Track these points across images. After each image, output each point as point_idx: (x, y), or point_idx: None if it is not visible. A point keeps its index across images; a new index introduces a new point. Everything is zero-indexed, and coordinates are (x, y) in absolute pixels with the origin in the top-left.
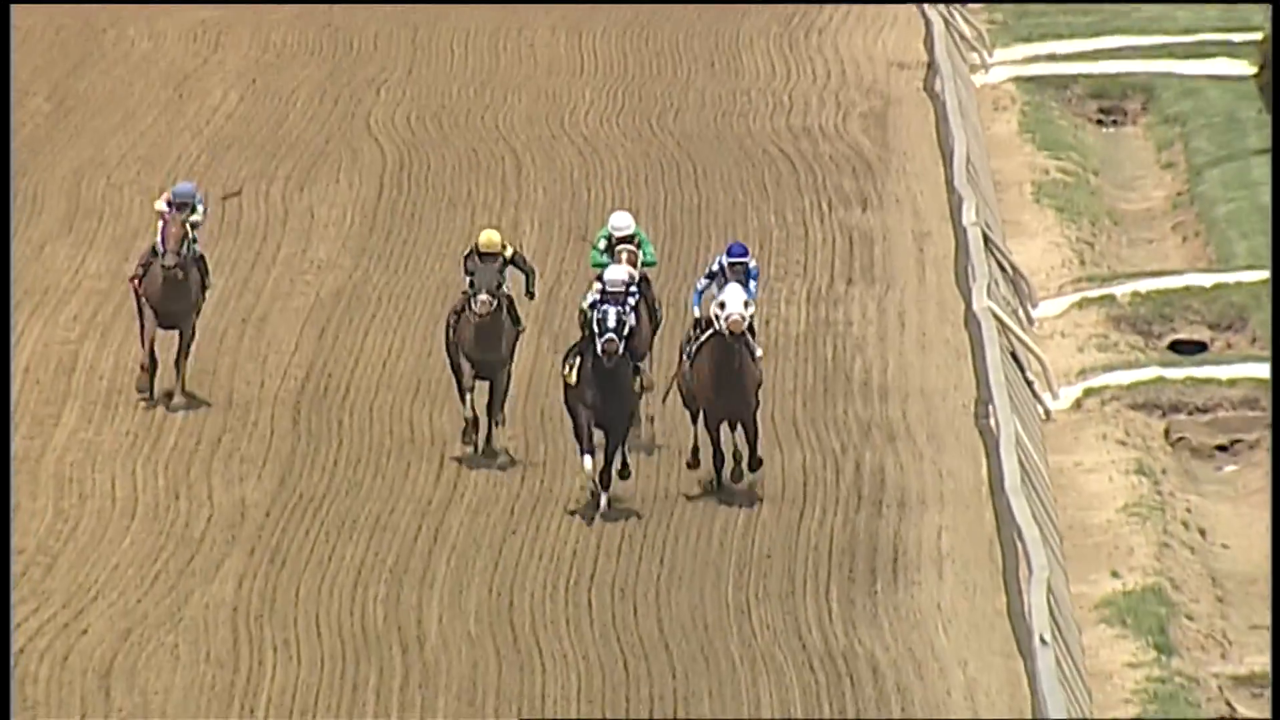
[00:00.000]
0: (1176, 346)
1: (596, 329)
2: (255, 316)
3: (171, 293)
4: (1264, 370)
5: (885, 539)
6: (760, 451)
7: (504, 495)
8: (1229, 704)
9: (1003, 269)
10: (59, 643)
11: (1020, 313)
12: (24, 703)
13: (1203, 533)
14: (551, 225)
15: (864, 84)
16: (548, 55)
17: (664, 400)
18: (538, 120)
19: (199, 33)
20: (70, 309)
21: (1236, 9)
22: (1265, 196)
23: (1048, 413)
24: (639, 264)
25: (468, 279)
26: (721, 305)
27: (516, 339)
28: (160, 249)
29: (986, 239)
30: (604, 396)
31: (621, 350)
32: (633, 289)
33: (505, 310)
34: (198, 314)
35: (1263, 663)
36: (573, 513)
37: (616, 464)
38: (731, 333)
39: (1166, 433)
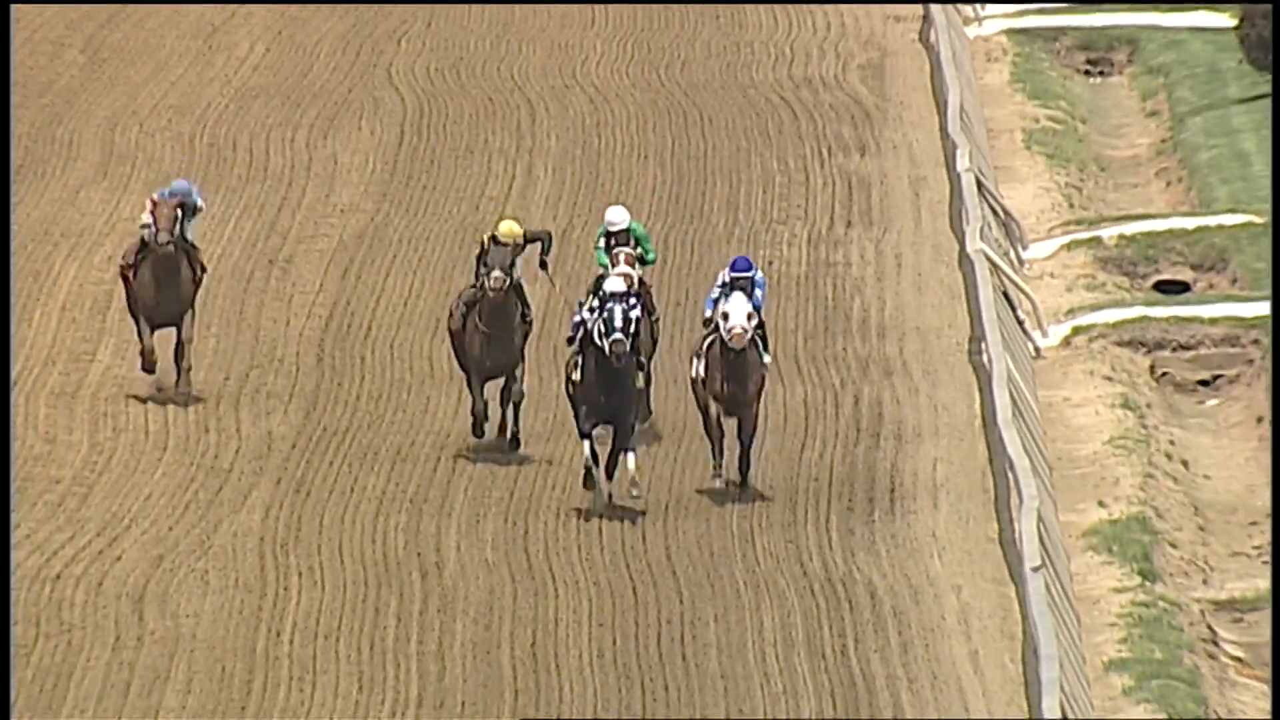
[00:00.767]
0: (1160, 286)
1: (603, 328)
2: (281, 258)
3: (165, 278)
4: (1244, 309)
5: (882, 470)
6: (752, 456)
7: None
8: (1210, 628)
9: (995, 213)
10: (94, 569)
11: (1011, 254)
12: (61, 626)
13: (1185, 464)
14: (564, 171)
15: (862, 36)
16: (560, 9)
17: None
18: (551, 71)
19: None
20: (105, 250)
21: None
22: (1245, 143)
23: (1038, 350)
24: (636, 263)
25: (479, 264)
26: (725, 316)
27: (527, 333)
28: (151, 237)
29: (979, 184)
30: (610, 394)
31: (629, 349)
32: (634, 294)
33: (517, 299)
34: (193, 307)
35: (1242, 588)
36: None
37: (629, 467)
38: (734, 348)
39: (1151, 369)
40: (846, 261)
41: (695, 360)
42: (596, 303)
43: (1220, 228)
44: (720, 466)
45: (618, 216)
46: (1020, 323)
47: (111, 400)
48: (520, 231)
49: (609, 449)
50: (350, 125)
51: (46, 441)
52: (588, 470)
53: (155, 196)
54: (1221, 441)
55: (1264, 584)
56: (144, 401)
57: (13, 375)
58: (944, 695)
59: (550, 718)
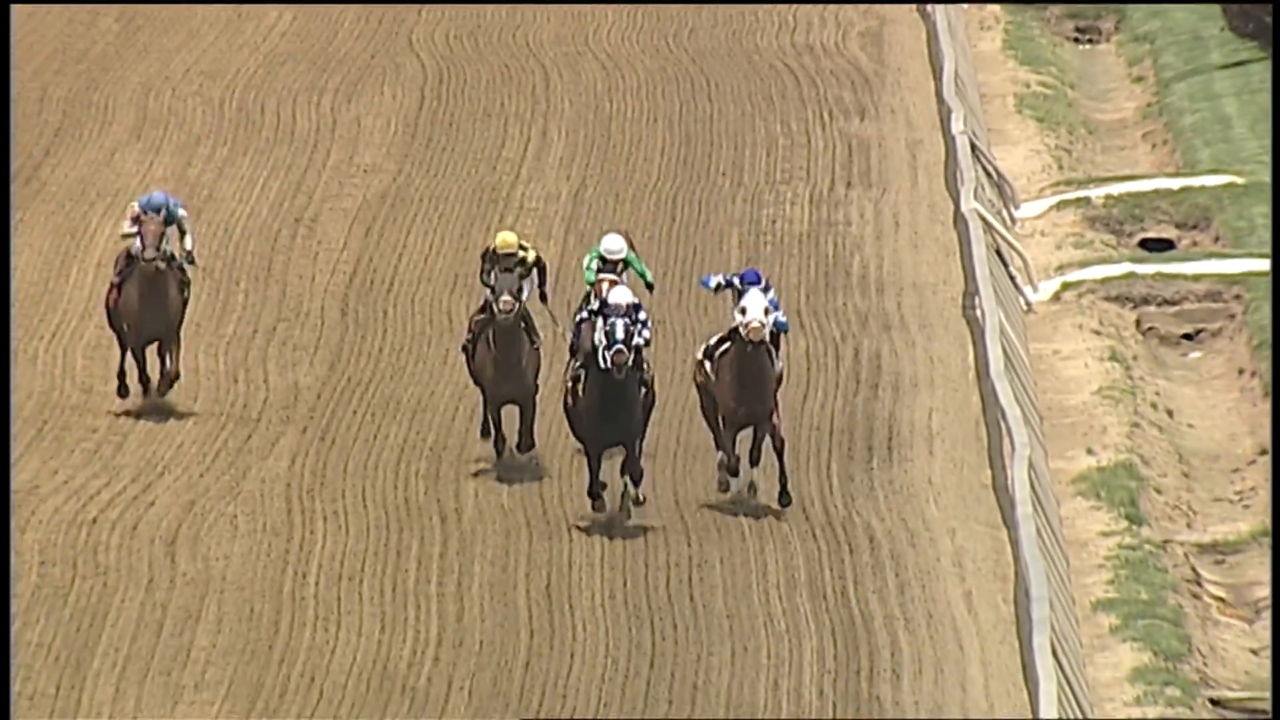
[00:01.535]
0: (1146, 244)
1: (605, 340)
2: (307, 217)
3: (150, 294)
4: (1226, 266)
5: (880, 419)
6: (786, 465)
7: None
8: (1194, 569)
9: (988, 174)
10: (129, 513)
11: (1004, 213)
12: (97, 568)
13: (1170, 413)
14: (577, 134)
15: (861, 5)
16: None
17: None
18: (564, 38)
19: None
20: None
21: None
22: (1227, 107)
23: (1029, 304)
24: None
25: (486, 288)
26: (743, 311)
27: (539, 361)
28: (137, 251)
29: (973, 146)
30: (613, 411)
31: (630, 361)
32: (641, 313)
33: (525, 326)
34: (180, 324)
35: (1224, 532)
36: None
37: (633, 491)
38: (751, 340)
39: (1137, 323)
40: (846, 220)
41: (706, 363)
42: (585, 315)
43: (1203, 188)
44: (737, 476)
45: (615, 245)
46: (1012, 279)
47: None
48: (516, 242)
49: (622, 462)
50: (373, 90)
51: (83, 391)
52: (593, 495)
53: (136, 207)
54: (1204, 392)
55: (1245, 527)
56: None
57: (51, 327)
58: (939, 634)
59: (550, 718)
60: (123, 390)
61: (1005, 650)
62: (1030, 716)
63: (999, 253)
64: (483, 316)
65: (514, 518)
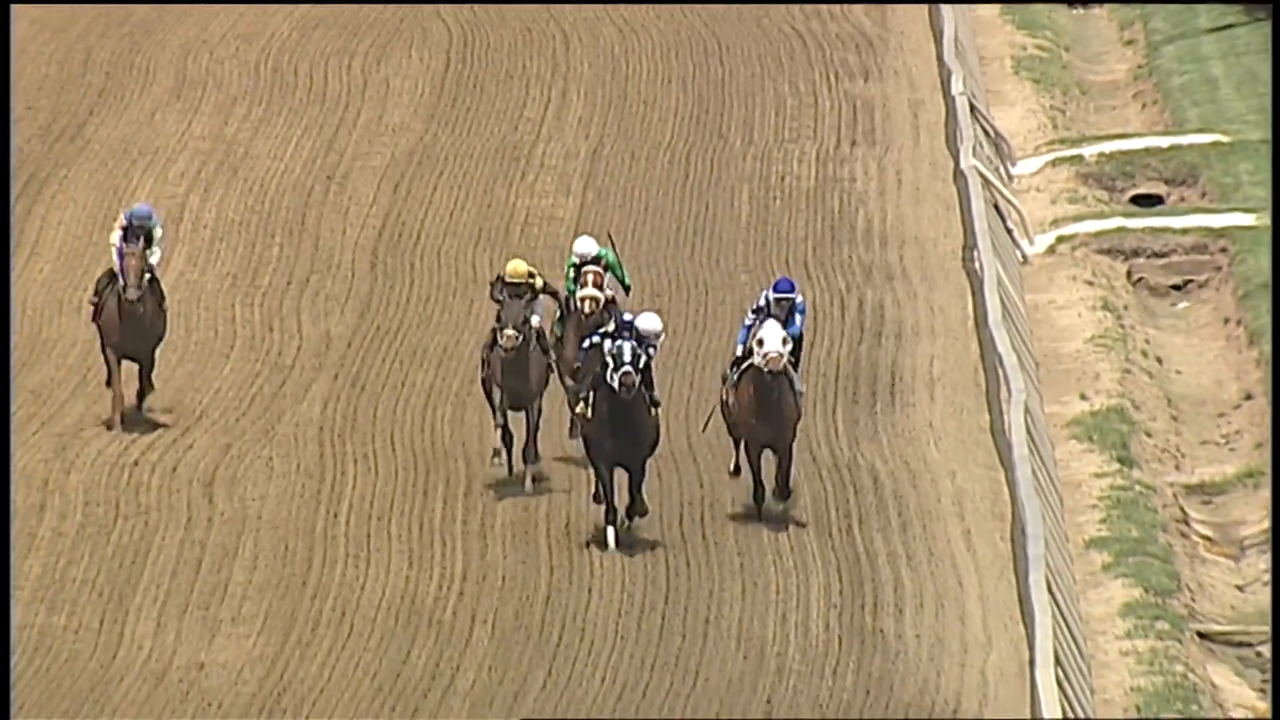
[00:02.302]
0: (1137, 199)
1: (612, 363)
2: (339, 174)
3: (130, 324)
4: (1213, 220)
5: (884, 366)
6: (791, 483)
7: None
8: (1182, 509)
9: (986, 133)
10: (168, 456)
11: (1001, 170)
12: (138, 508)
13: (1160, 360)
14: (595, 94)
15: None
16: None
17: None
18: (583, 3)
19: None
20: (178, 167)
21: None
22: (1214, 69)
23: (1025, 257)
24: (605, 284)
25: (497, 311)
26: (760, 342)
27: (548, 372)
28: (120, 279)
29: (972, 106)
30: (622, 431)
31: (638, 383)
32: (658, 337)
33: (535, 342)
34: (159, 342)
35: (1211, 474)
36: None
37: (638, 506)
38: (770, 370)
39: (1128, 274)
40: (851, 177)
41: (727, 389)
42: (609, 342)
43: (1191, 146)
44: (761, 498)
45: (585, 247)
46: (1009, 232)
47: (184, 303)
48: (526, 270)
49: (625, 489)
50: (401, 52)
51: None
52: (598, 501)
53: (124, 217)
54: (1192, 340)
55: (1231, 469)
56: (214, 304)
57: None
58: (939, 570)
59: (552, 718)
60: (111, 422)
61: (1002, 586)
62: (1026, 649)
63: (997, 208)
64: (493, 346)
65: None
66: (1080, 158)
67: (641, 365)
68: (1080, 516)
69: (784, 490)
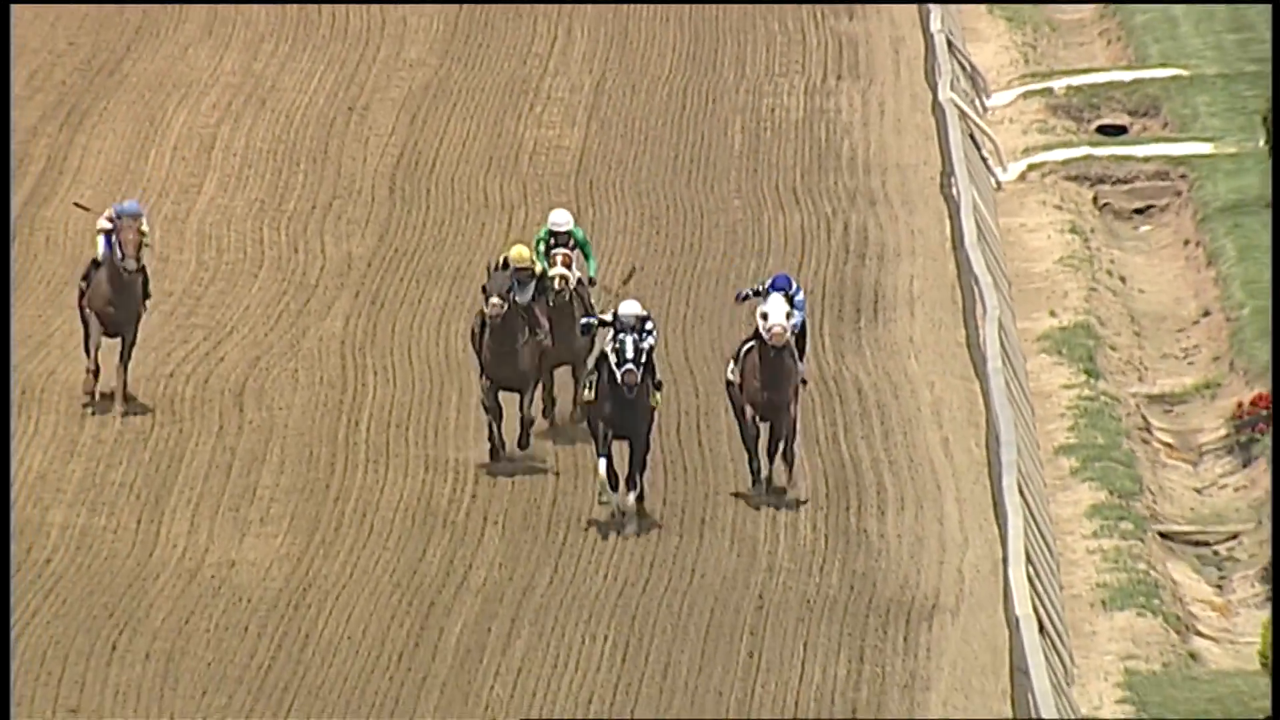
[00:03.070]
0: (1102, 129)
1: (615, 358)
2: (359, 105)
3: (119, 299)
4: (1173, 149)
5: (867, 285)
6: (796, 447)
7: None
8: (1144, 418)
9: (963, 67)
10: (201, 368)
11: (976, 102)
12: (174, 417)
13: (1123, 280)
14: (598, 31)
15: None
16: None
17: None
18: None
19: None
20: (210, 99)
21: None
22: (1175, 9)
23: (998, 183)
24: (574, 265)
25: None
26: (764, 316)
27: (539, 353)
28: (113, 257)
29: (949, 43)
30: (623, 420)
31: (641, 379)
32: (648, 321)
33: (525, 324)
34: (139, 321)
35: (1171, 384)
36: (613, 259)
37: (635, 489)
38: (774, 345)
39: (1094, 199)
40: (837, 109)
41: (732, 363)
42: (611, 332)
43: (1153, 80)
44: (758, 473)
45: (562, 219)
46: (984, 160)
47: (215, 225)
48: (530, 257)
49: (625, 464)
50: None
51: (161, 260)
52: (602, 487)
53: (112, 212)
54: (1153, 261)
55: (1189, 381)
56: (243, 226)
57: None
58: (919, 475)
59: (554, 718)
60: (92, 394)
61: (978, 489)
62: (999, 548)
63: (972, 137)
64: (483, 329)
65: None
66: (1050, 90)
67: (644, 360)
68: (1050, 425)
69: (790, 457)
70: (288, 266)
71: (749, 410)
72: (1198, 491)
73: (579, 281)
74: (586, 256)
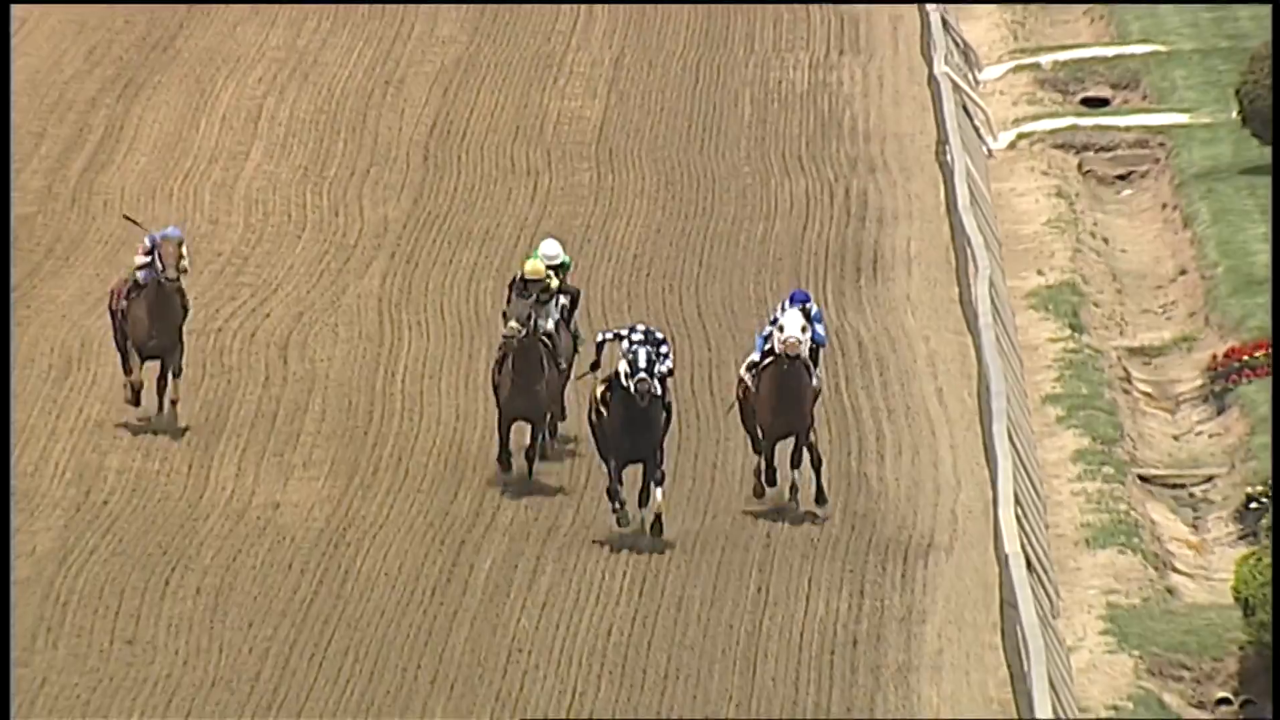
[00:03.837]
0: (1086, 101)
1: (629, 369)
2: (395, 79)
3: (158, 312)
4: (1152, 119)
5: (867, 246)
6: (825, 482)
7: (582, 212)
8: (1125, 369)
9: (956, 43)
10: (248, 323)
11: (969, 76)
12: (222, 368)
13: (1106, 241)
14: (617, 10)
15: None
16: None
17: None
18: None
19: None
20: (256, 73)
21: None
22: None
23: (990, 151)
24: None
25: (503, 317)
26: (780, 328)
27: (560, 385)
28: (155, 266)
29: (944, 20)
30: (636, 435)
31: (654, 390)
32: (665, 345)
33: (543, 351)
34: (182, 342)
35: (1150, 338)
36: (631, 222)
37: (651, 508)
38: (788, 355)
39: (1079, 166)
40: (839, 81)
41: (747, 376)
42: (625, 345)
43: (1134, 55)
44: (772, 483)
45: (553, 250)
46: (976, 130)
47: (262, 190)
48: (544, 270)
49: (640, 484)
50: None
51: (210, 223)
52: (614, 505)
53: (148, 241)
54: (1134, 223)
55: (1167, 334)
56: (287, 191)
57: (184, 169)
58: (915, 422)
59: (554, 718)
60: (133, 399)
61: (970, 436)
62: (990, 490)
63: (965, 108)
64: (503, 360)
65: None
66: (1038, 65)
67: (657, 373)
68: (1037, 376)
69: (797, 459)
70: (328, 229)
71: (762, 434)
72: (1175, 438)
73: (560, 290)
74: (564, 268)
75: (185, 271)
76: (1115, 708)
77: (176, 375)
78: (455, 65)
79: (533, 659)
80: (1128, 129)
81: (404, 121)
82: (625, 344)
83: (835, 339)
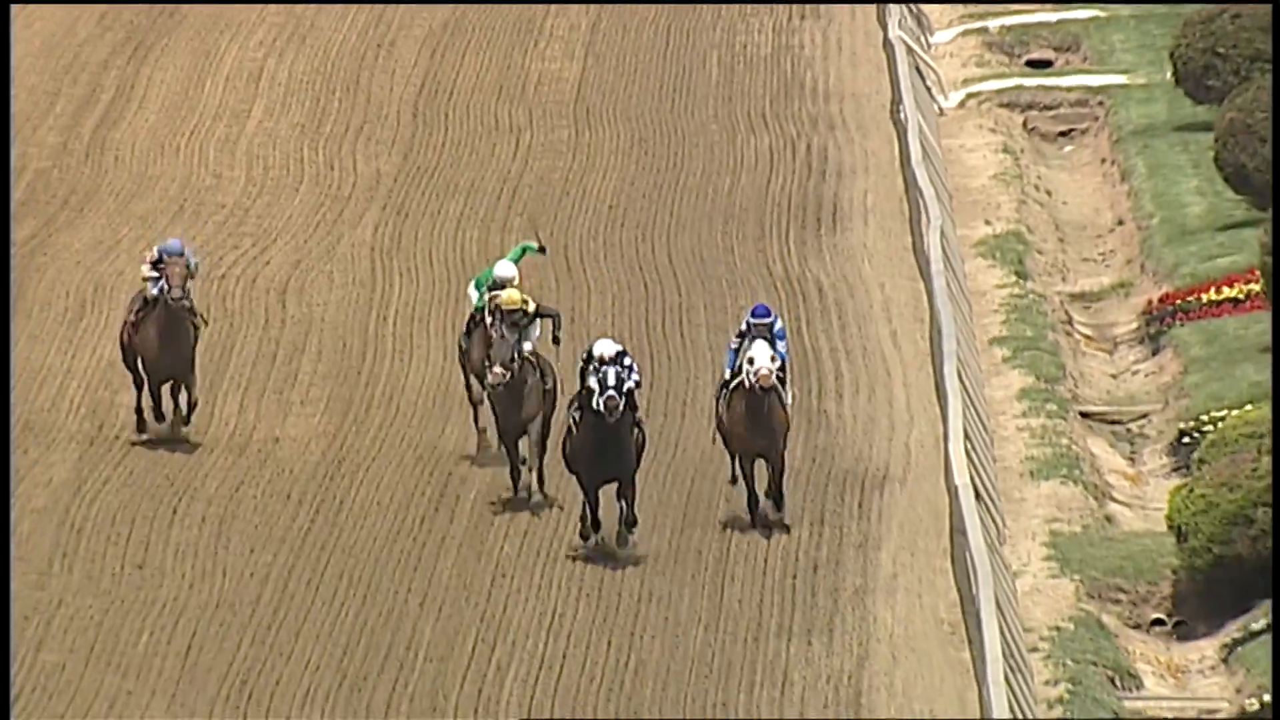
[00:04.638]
0: (1031, 63)
1: (597, 388)
2: (386, 42)
3: (168, 333)
4: (1092, 80)
5: (827, 198)
6: (785, 488)
7: (561, 166)
8: (1067, 313)
9: (909, 9)
10: (249, 270)
11: (922, 39)
12: (225, 312)
13: (1049, 193)
14: None
15: None
16: None
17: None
18: None
19: None
20: (257, 36)
21: None
22: None
23: (941, 110)
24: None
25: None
26: (751, 360)
27: (547, 397)
28: (161, 285)
29: None
30: (606, 450)
31: (622, 407)
32: (626, 357)
33: (532, 369)
34: (194, 366)
35: (1090, 284)
36: (607, 176)
37: (625, 516)
38: (762, 388)
39: (1024, 124)
40: (800, 45)
41: (719, 403)
42: (593, 365)
43: (1075, 20)
44: (756, 508)
45: (507, 273)
46: (928, 89)
47: (262, 146)
48: (520, 299)
49: (616, 494)
50: None
51: (214, 177)
52: (584, 523)
53: (154, 252)
54: (1075, 177)
55: (1106, 280)
56: (285, 146)
57: (190, 126)
58: (872, 363)
59: (553, 718)
60: (142, 425)
61: (922, 376)
62: (941, 426)
63: (918, 70)
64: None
65: (545, 272)
66: (986, 29)
67: (625, 390)
68: (985, 319)
69: (778, 496)
70: (324, 182)
71: (739, 456)
72: (1113, 377)
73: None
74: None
75: (193, 278)
76: (1057, 628)
77: (191, 408)
78: (443, 29)
79: (515, 583)
80: (1069, 89)
81: (395, 82)
82: (593, 364)
83: (797, 285)
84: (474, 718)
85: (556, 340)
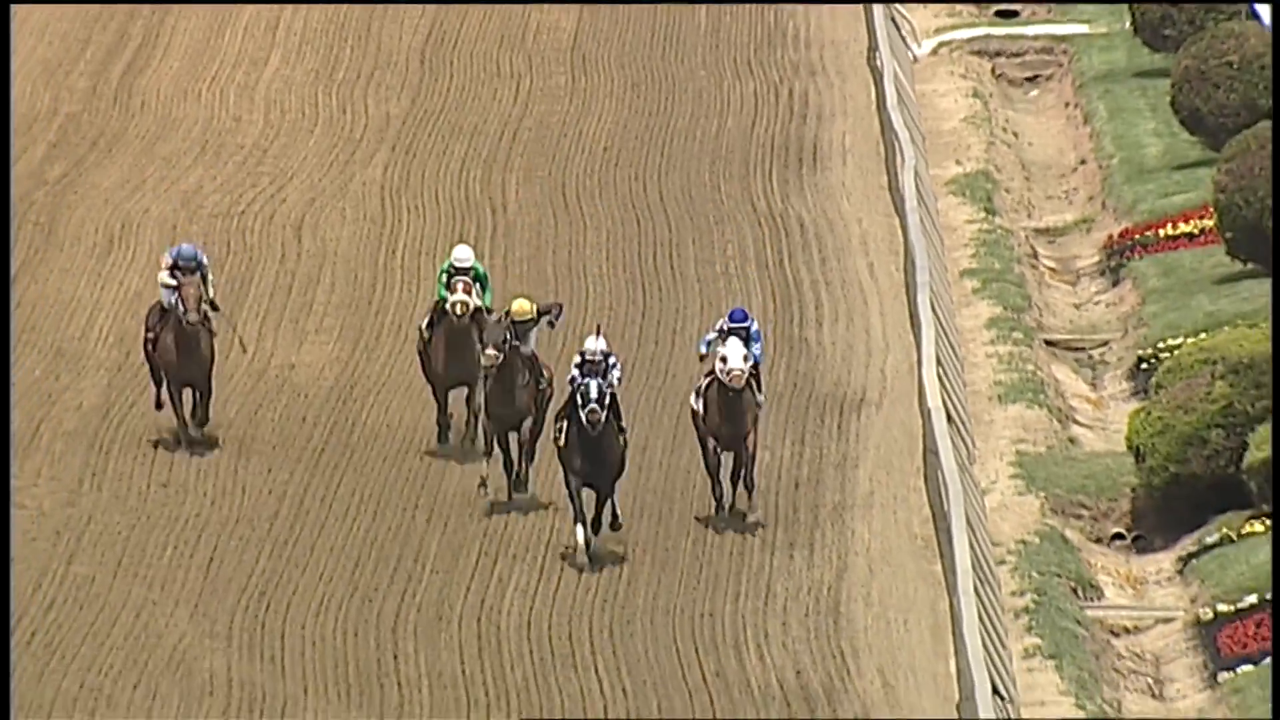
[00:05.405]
0: (999, 13)
1: (580, 401)
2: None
3: (188, 349)
4: (1057, 29)
5: (808, 140)
6: (755, 477)
7: (559, 110)
8: (1032, 247)
9: None
10: (267, 207)
11: None
12: (244, 246)
13: (1016, 135)
14: None
15: None
16: None
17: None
18: None
19: None
20: None
21: None
22: None
23: (915, 57)
24: (474, 293)
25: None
26: (723, 359)
27: (541, 397)
28: (177, 307)
29: None
30: (591, 459)
31: (604, 419)
32: (611, 359)
33: (528, 368)
34: (211, 373)
35: (1054, 220)
36: (601, 119)
37: (607, 516)
38: (733, 388)
39: (992, 70)
40: None
41: (695, 397)
42: (576, 372)
43: None
44: (721, 498)
45: (464, 254)
46: (903, 38)
47: (279, 91)
48: (529, 308)
49: (594, 508)
50: None
51: (233, 119)
52: (579, 522)
53: (168, 257)
54: (1041, 120)
55: (1069, 217)
56: (301, 91)
57: (205, 80)
58: (850, 294)
59: (552, 718)
60: (160, 404)
61: (897, 306)
62: (915, 353)
63: (893, 19)
64: (486, 377)
65: (542, 209)
66: None
67: (607, 401)
68: (956, 253)
69: (749, 480)
70: (337, 125)
71: (711, 442)
72: (1076, 307)
73: (477, 309)
74: (484, 289)
75: (209, 301)
76: (1024, 542)
77: (203, 423)
78: None
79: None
80: (1035, 38)
81: (403, 30)
82: (578, 375)
83: (779, 221)
84: (477, 625)
85: (552, 324)
